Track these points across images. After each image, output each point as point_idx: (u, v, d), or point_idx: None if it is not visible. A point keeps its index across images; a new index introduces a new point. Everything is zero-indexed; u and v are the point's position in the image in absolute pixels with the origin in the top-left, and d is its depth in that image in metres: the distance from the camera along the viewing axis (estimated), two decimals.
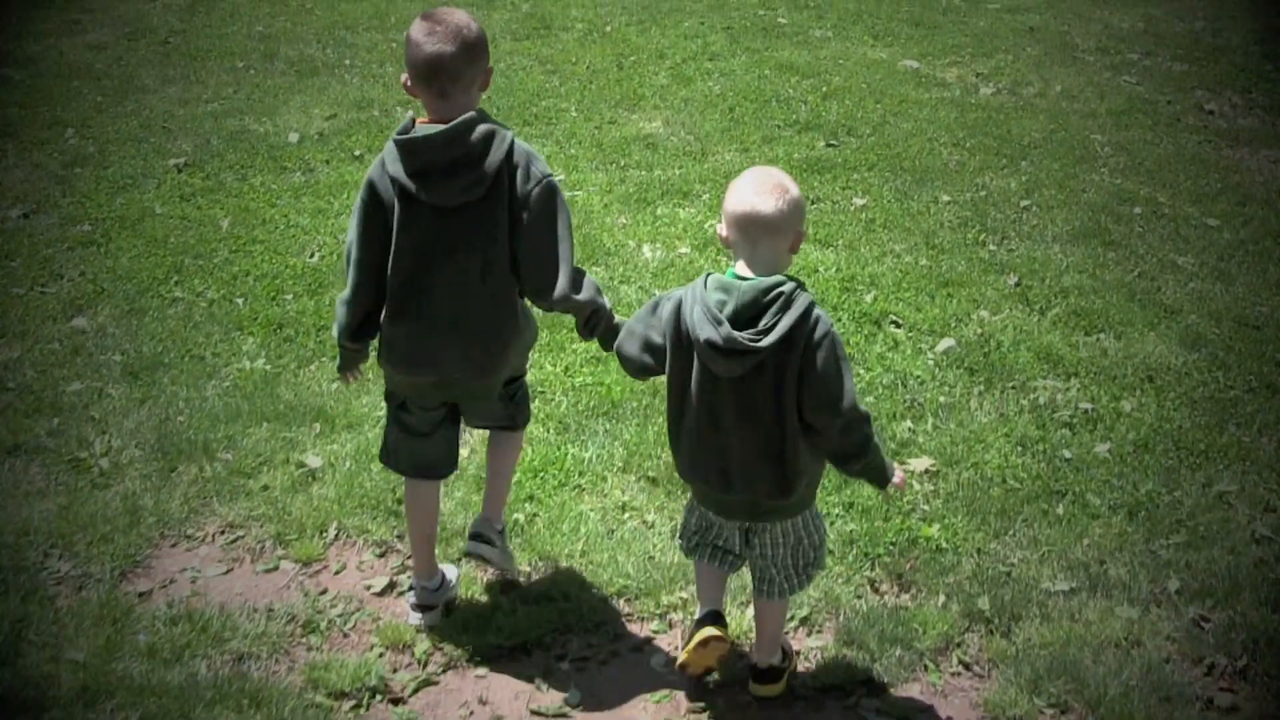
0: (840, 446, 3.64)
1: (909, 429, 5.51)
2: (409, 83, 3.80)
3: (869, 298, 6.57)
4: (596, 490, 5.08)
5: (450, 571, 4.50)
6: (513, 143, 3.76)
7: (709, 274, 3.57)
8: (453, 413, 4.20)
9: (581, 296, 3.86)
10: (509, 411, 4.30)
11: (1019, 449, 5.42)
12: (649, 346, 3.73)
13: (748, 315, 3.44)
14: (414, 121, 3.76)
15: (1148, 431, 5.60)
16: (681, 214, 7.52)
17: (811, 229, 7.29)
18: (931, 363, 6.07)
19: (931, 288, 6.75)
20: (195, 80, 9.91)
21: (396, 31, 11.29)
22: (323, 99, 9.51)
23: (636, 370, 3.84)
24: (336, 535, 4.81)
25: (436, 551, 4.47)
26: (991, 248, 7.32)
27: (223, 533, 4.84)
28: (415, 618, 4.36)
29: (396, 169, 3.72)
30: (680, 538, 4.13)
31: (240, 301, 6.46)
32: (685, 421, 3.69)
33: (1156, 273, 7.09)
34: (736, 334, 3.41)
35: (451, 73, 3.70)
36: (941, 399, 5.76)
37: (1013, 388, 5.90)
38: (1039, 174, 8.40)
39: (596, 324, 3.98)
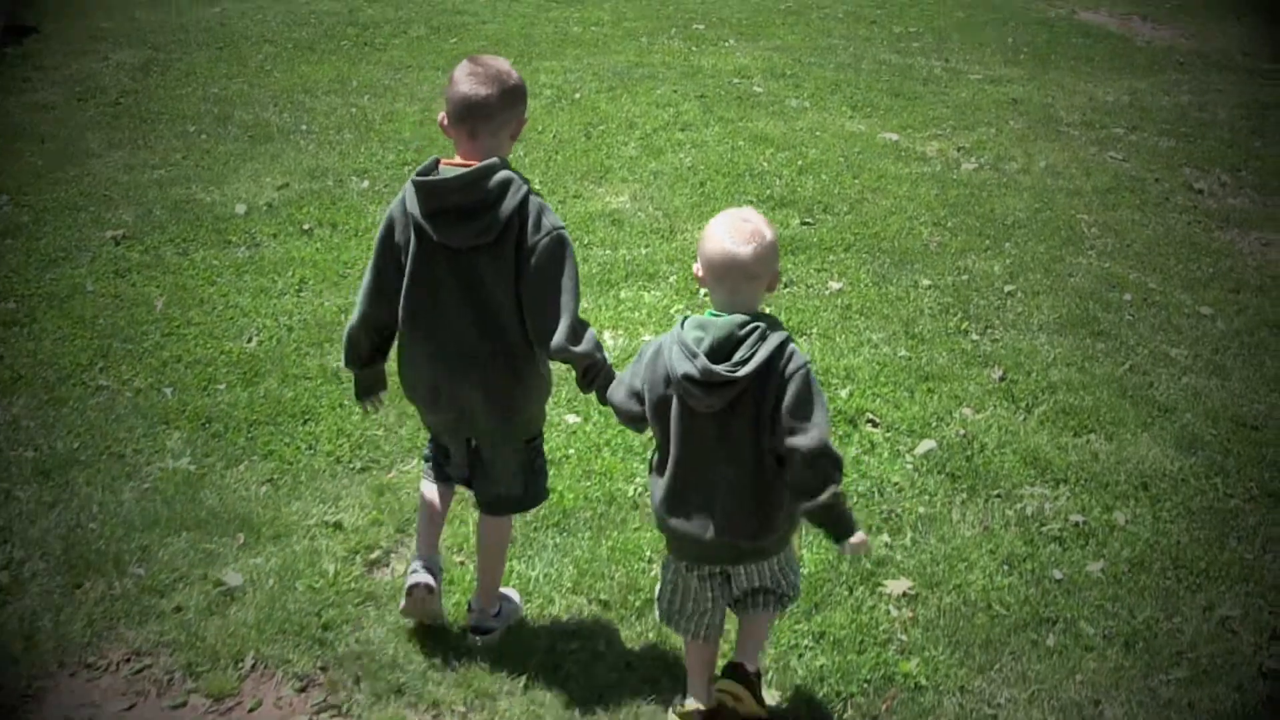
0: (802, 480, 3.54)
1: (886, 544, 5.07)
2: (445, 121, 3.93)
3: (845, 393, 6.14)
4: (543, 615, 4.62)
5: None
6: (528, 194, 3.85)
7: (686, 316, 3.61)
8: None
9: (579, 348, 3.87)
10: (526, 473, 4.30)
11: (1005, 568, 4.99)
12: (634, 393, 3.74)
13: (724, 350, 3.48)
14: (438, 162, 3.89)
15: (1143, 548, 5.18)
16: (646, 297, 7.09)
17: (785, 315, 6.88)
18: (911, 467, 5.65)
19: (911, 382, 6.34)
20: (143, 145, 9.46)
21: (357, 95, 10.92)
22: (275, 167, 9.08)
23: (626, 419, 3.84)
24: (253, 666, 4.33)
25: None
26: (974, 337, 6.92)
27: (128, 661, 4.35)
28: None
29: (414, 207, 3.84)
30: (656, 604, 4.03)
31: (168, 391, 5.99)
32: (667, 465, 3.68)
33: (1149, 366, 6.70)
34: (713, 366, 3.45)
35: (484, 114, 3.85)
36: (921, 509, 5.33)
37: (998, 496, 5.49)
38: (1024, 256, 8.02)
39: (594, 377, 3.97)
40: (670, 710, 4.10)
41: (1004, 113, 11.18)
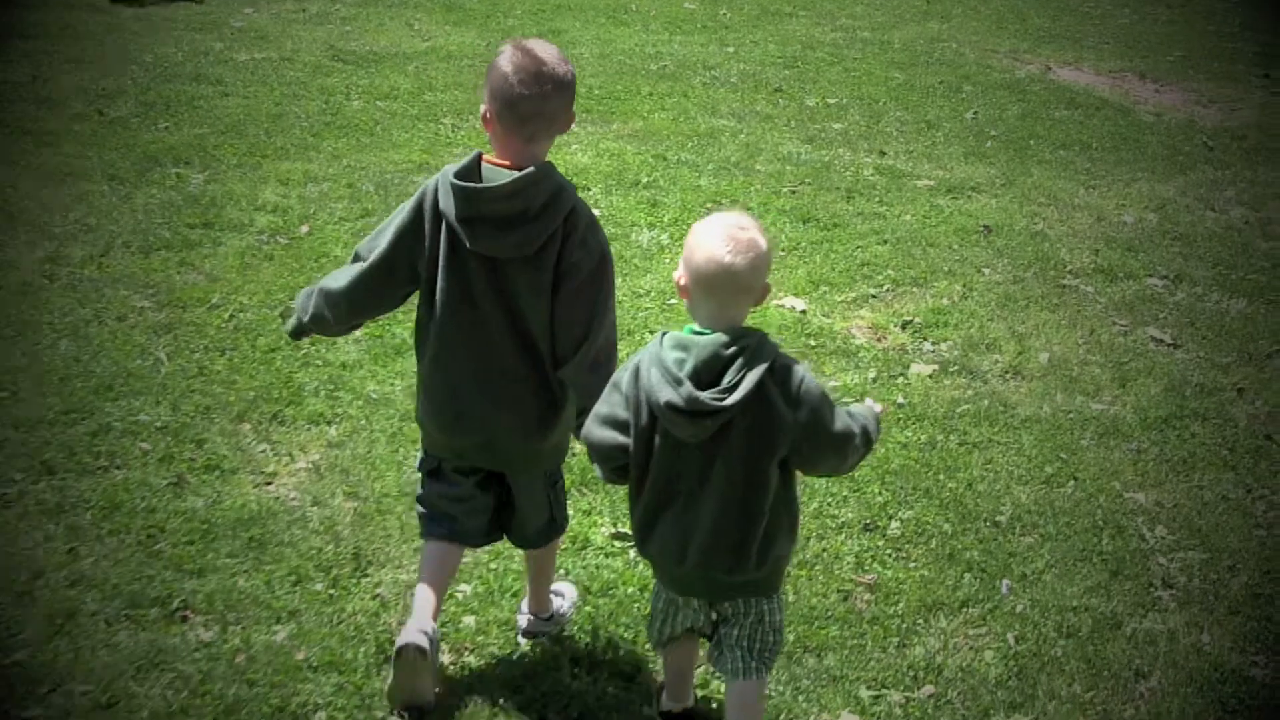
0: (850, 470, 3.39)
1: None
2: (490, 115, 3.42)
3: None
4: None
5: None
6: (575, 207, 3.44)
7: (665, 332, 3.19)
8: (490, 484, 3.72)
9: (593, 381, 3.39)
10: (550, 500, 3.76)
11: None
12: (615, 423, 3.24)
13: (710, 373, 3.08)
14: (479, 159, 3.41)
15: None
16: None
17: None
18: None
19: None
20: None
21: None
22: None
23: (603, 458, 3.28)
24: None
25: None
26: None
27: None
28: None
29: (448, 207, 3.41)
30: (649, 629, 3.56)
31: None
32: (646, 493, 3.25)
33: None
34: (699, 394, 3.06)
35: (550, 118, 3.44)
36: None
37: None
38: (1042, 627, 4.02)
39: None
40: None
41: (973, 251, 7.20)
